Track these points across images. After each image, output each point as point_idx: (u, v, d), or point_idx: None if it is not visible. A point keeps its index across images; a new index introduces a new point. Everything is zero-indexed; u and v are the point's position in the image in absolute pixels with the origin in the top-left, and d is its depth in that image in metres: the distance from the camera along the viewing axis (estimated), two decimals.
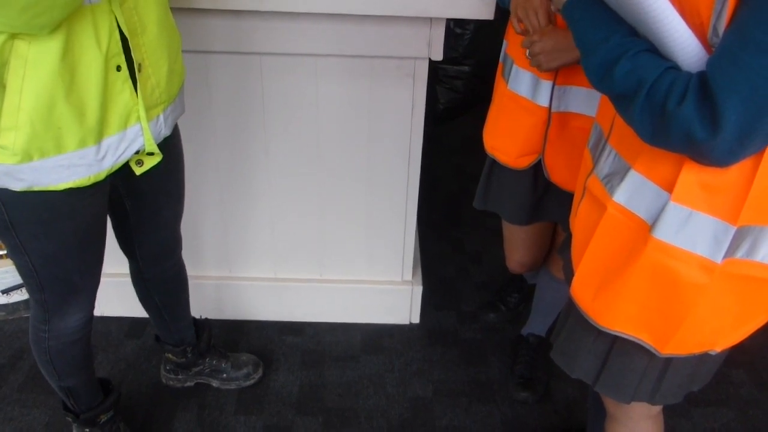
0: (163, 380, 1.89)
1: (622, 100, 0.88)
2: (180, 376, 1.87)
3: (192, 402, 1.85)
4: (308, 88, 1.71)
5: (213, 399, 1.86)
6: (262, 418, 1.81)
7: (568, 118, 1.40)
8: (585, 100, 1.36)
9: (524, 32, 1.35)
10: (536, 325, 1.96)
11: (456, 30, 2.24)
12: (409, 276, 2.10)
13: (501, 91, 1.50)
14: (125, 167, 1.25)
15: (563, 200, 1.51)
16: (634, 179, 0.96)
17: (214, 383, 1.88)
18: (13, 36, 0.98)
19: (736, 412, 1.90)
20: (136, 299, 1.67)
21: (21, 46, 0.99)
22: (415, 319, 2.16)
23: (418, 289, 2.10)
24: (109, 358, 1.98)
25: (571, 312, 1.17)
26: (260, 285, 2.08)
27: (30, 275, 1.28)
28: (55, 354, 1.42)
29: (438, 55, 1.65)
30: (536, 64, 1.32)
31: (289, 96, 1.73)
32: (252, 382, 1.90)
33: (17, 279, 2.04)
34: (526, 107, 1.42)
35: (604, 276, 1.05)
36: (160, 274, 1.60)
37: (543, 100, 1.39)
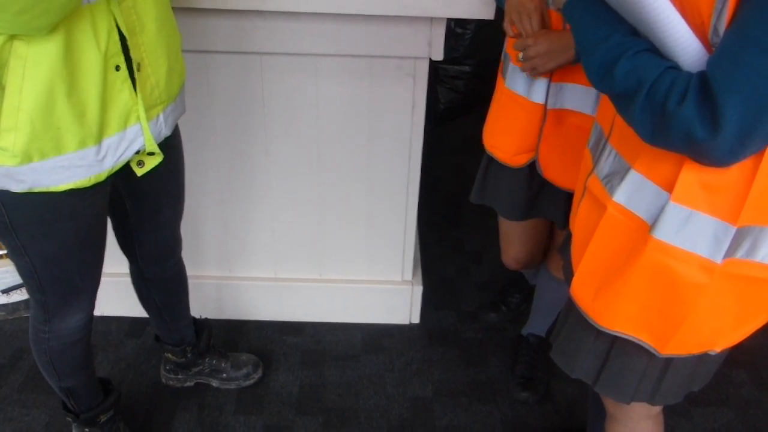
0: (163, 380, 1.89)
1: (622, 100, 0.88)
2: (180, 376, 1.87)
3: (192, 402, 1.85)
4: (309, 88, 1.71)
5: (213, 399, 1.86)
6: (261, 418, 1.81)
7: (563, 115, 1.40)
8: (580, 98, 1.36)
9: (517, 36, 1.36)
10: (536, 325, 1.96)
11: (457, 30, 2.24)
12: (409, 276, 2.10)
13: (499, 88, 1.51)
14: (126, 167, 1.25)
15: (557, 198, 1.51)
16: (634, 179, 0.96)
17: (214, 383, 1.88)
18: (12, 37, 0.98)
19: (737, 412, 1.90)
20: (136, 299, 1.67)
21: (20, 47, 0.99)
22: (416, 319, 2.16)
23: (419, 289, 2.10)
24: (109, 358, 1.98)
25: (571, 312, 1.17)
26: (260, 285, 2.08)
27: (30, 276, 1.28)
28: (55, 354, 1.42)
29: (438, 55, 1.65)
30: (531, 67, 1.33)
31: (290, 96, 1.73)
32: (252, 382, 1.89)
33: (17, 279, 2.04)
34: (522, 104, 1.43)
35: (604, 276, 1.05)
36: (161, 274, 1.60)
37: (539, 98, 1.40)
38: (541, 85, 1.38)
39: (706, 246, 0.92)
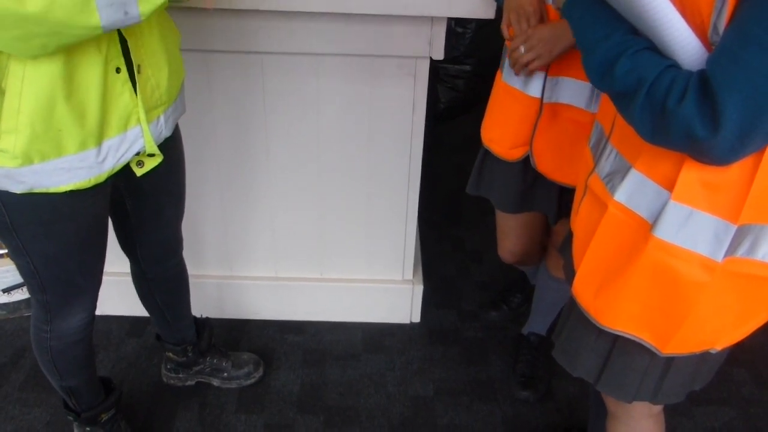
0: (164, 379, 1.89)
1: (622, 99, 0.88)
2: (181, 375, 1.87)
3: (193, 401, 1.85)
4: (309, 87, 1.71)
5: (214, 398, 1.86)
6: (263, 416, 1.82)
7: (558, 109, 1.41)
8: (576, 92, 1.37)
9: (513, 39, 1.36)
10: (537, 324, 1.96)
11: (457, 29, 2.24)
12: (410, 275, 2.10)
13: (497, 83, 1.53)
14: (126, 167, 1.25)
15: (550, 190, 1.52)
16: (635, 178, 0.96)
17: (215, 382, 1.88)
18: None
19: (738, 410, 1.90)
20: (137, 298, 1.67)
21: None
22: (416, 318, 2.16)
23: (419, 288, 2.11)
24: (110, 357, 1.98)
25: (572, 311, 1.17)
26: (261, 284, 2.08)
27: (32, 276, 1.28)
28: (56, 354, 1.42)
29: (439, 54, 1.65)
30: (536, 55, 1.33)
31: (290, 95, 1.73)
32: (253, 381, 1.90)
33: (18, 278, 2.04)
34: (518, 98, 1.44)
35: (606, 275, 1.05)
36: (162, 274, 1.60)
37: (535, 91, 1.41)
38: (537, 79, 1.39)
39: (707, 244, 0.92)
